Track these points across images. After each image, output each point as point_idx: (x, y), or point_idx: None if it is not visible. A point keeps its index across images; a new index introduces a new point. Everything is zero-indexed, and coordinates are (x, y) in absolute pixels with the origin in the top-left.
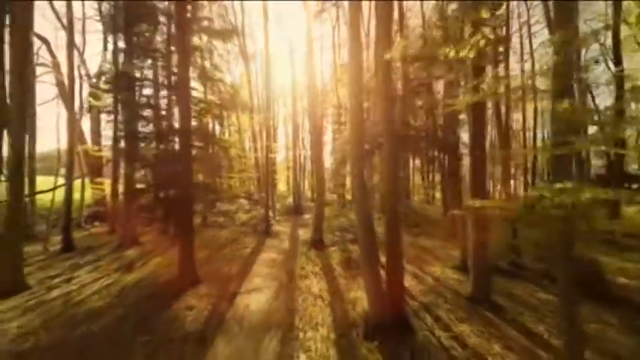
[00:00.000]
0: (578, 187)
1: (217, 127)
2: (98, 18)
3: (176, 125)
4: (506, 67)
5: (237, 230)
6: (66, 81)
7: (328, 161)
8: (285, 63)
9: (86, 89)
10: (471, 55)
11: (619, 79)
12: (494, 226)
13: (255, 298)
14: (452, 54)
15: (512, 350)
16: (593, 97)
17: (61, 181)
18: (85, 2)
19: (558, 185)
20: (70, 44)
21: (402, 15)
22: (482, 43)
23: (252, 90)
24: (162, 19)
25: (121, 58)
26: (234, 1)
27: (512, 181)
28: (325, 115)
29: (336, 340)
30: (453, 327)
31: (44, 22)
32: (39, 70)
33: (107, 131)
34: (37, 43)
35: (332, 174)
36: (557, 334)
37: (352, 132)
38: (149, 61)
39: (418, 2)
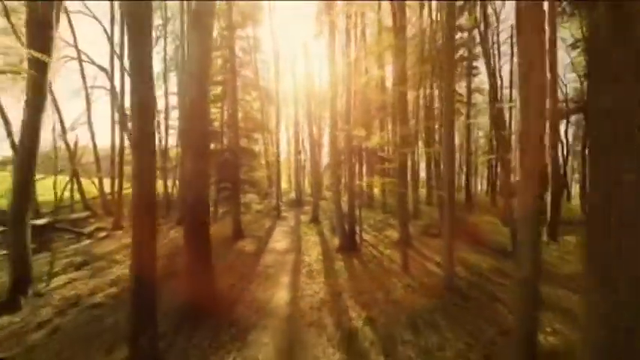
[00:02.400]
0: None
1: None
2: None
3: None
4: (468, 85)
5: (255, 216)
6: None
7: (326, 161)
8: (288, 74)
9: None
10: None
11: None
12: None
13: (279, 244)
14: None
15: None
16: None
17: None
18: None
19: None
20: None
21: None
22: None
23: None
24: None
25: None
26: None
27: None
28: (323, 117)
29: (322, 253)
30: (382, 250)
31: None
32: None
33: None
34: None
35: (326, 173)
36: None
37: (331, 150)
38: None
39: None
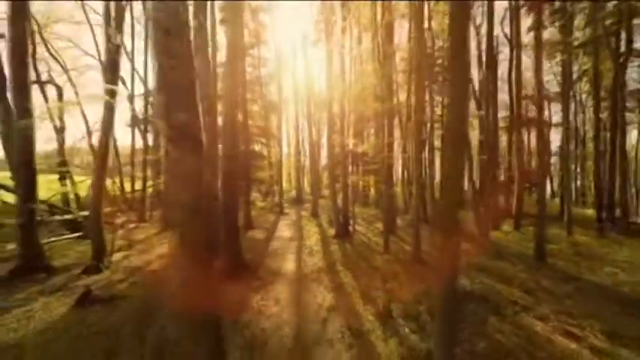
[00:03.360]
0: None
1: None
2: None
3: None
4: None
5: (259, 212)
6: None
7: (324, 161)
8: (288, 75)
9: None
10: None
11: None
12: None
13: (284, 233)
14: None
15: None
16: None
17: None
18: None
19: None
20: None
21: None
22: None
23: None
24: None
25: None
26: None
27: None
28: (322, 119)
29: (320, 239)
30: (371, 237)
31: None
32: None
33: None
34: None
35: (325, 173)
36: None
37: (329, 153)
38: None
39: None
